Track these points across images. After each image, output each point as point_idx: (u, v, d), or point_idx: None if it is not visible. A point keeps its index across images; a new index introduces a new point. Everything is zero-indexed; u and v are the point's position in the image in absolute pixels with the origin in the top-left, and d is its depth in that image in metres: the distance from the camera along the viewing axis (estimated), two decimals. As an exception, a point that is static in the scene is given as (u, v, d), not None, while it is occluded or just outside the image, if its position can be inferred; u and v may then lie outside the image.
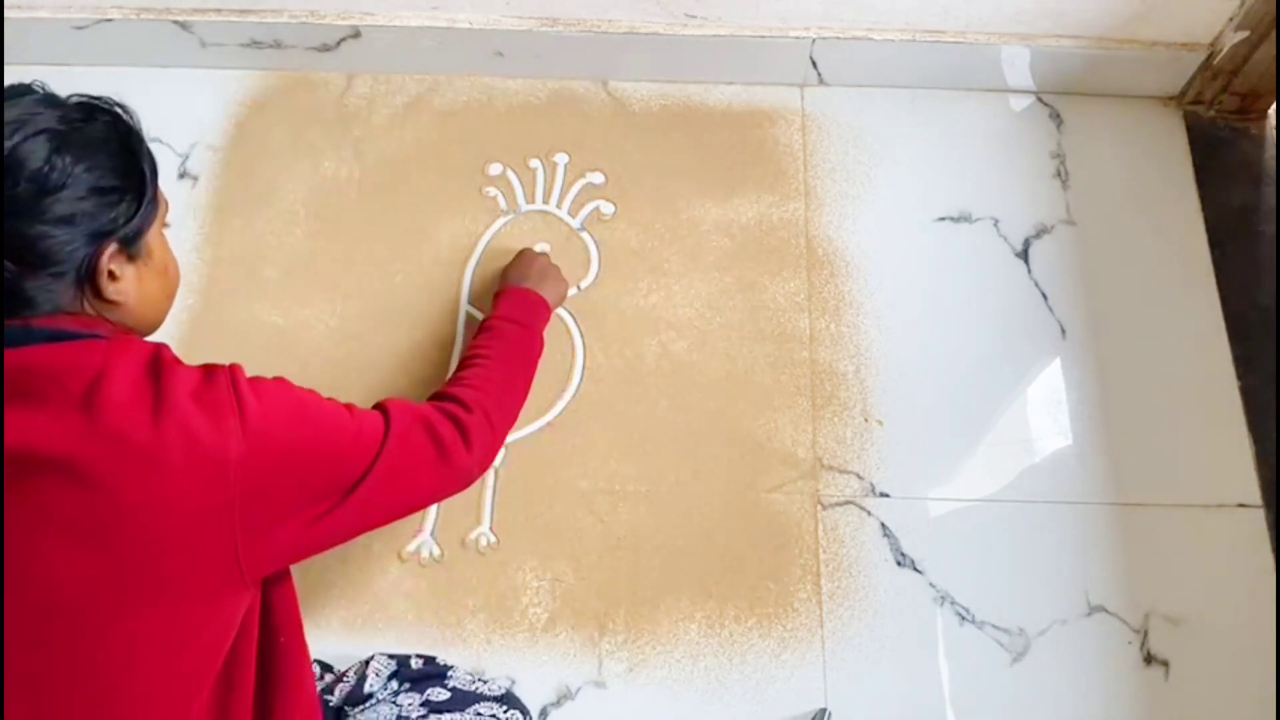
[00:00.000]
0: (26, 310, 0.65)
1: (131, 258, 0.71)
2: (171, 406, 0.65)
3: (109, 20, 1.41)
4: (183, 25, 1.41)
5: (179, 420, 0.64)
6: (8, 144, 0.64)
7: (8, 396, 0.62)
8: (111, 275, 0.69)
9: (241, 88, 1.47)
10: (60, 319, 0.67)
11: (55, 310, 0.67)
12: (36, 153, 0.65)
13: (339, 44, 1.43)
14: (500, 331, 1.09)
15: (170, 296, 0.78)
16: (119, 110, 0.73)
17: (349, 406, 0.79)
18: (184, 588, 0.66)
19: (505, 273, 1.26)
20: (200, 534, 0.65)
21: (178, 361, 0.70)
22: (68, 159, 0.66)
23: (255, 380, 0.72)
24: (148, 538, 0.63)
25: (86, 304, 0.69)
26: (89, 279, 0.68)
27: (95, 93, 0.73)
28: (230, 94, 1.47)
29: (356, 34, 1.42)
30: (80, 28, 1.42)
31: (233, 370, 0.71)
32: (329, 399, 0.78)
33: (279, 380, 0.75)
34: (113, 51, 1.45)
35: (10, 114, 0.65)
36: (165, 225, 0.76)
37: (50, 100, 0.69)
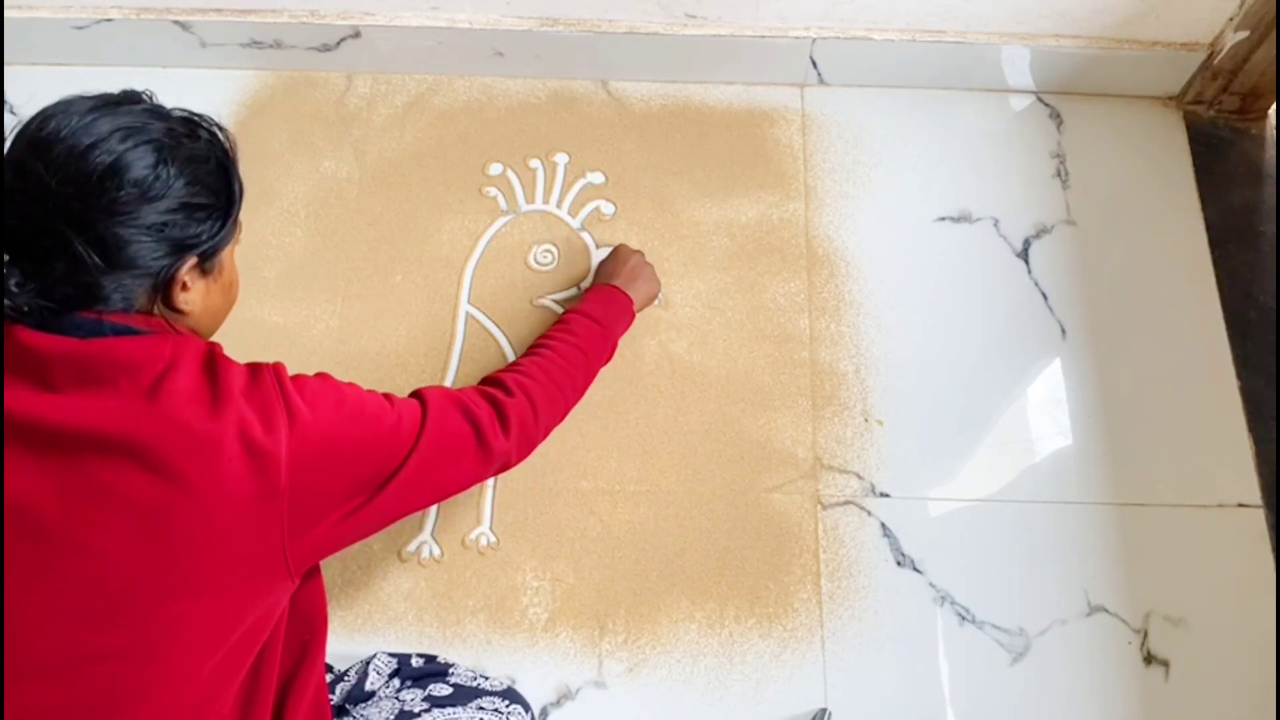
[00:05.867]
0: (100, 305, 0.67)
1: (205, 272, 0.74)
2: (228, 401, 0.68)
3: (109, 20, 1.41)
4: (183, 25, 1.41)
5: (234, 413, 0.67)
6: (120, 148, 0.66)
7: (78, 381, 0.65)
8: (184, 286, 0.71)
9: (241, 88, 1.47)
10: (132, 317, 0.69)
11: (127, 309, 0.69)
12: (143, 160, 0.67)
13: (339, 44, 1.43)
14: (572, 325, 1.09)
15: (229, 310, 0.81)
16: (216, 129, 0.75)
17: (388, 396, 0.81)
18: (232, 576, 0.68)
19: (598, 269, 1.27)
20: (250, 524, 0.68)
21: (229, 359, 0.73)
22: (171, 171, 0.68)
23: (298, 378, 0.75)
24: (201, 523, 0.66)
25: (156, 307, 0.71)
26: (164, 286, 0.70)
27: (196, 109, 0.75)
28: (230, 94, 1.47)
29: (356, 34, 1.42)
30: (80, 28, 1.42)
31: (276, 369, 0.74)
32: (369, 391, 0.80)
33: (321, 376, 0.78)
34: (113, 51, 1.45)
35: (122, 120, 0.68)
36: (238, 242, 0.79)
37: (158, 112, 0.71)
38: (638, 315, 1.21)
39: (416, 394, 0.85)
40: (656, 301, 1.29)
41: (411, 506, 0.81)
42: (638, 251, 1.27)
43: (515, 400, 0.91)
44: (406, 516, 0.82)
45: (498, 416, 0.88)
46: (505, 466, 0.90)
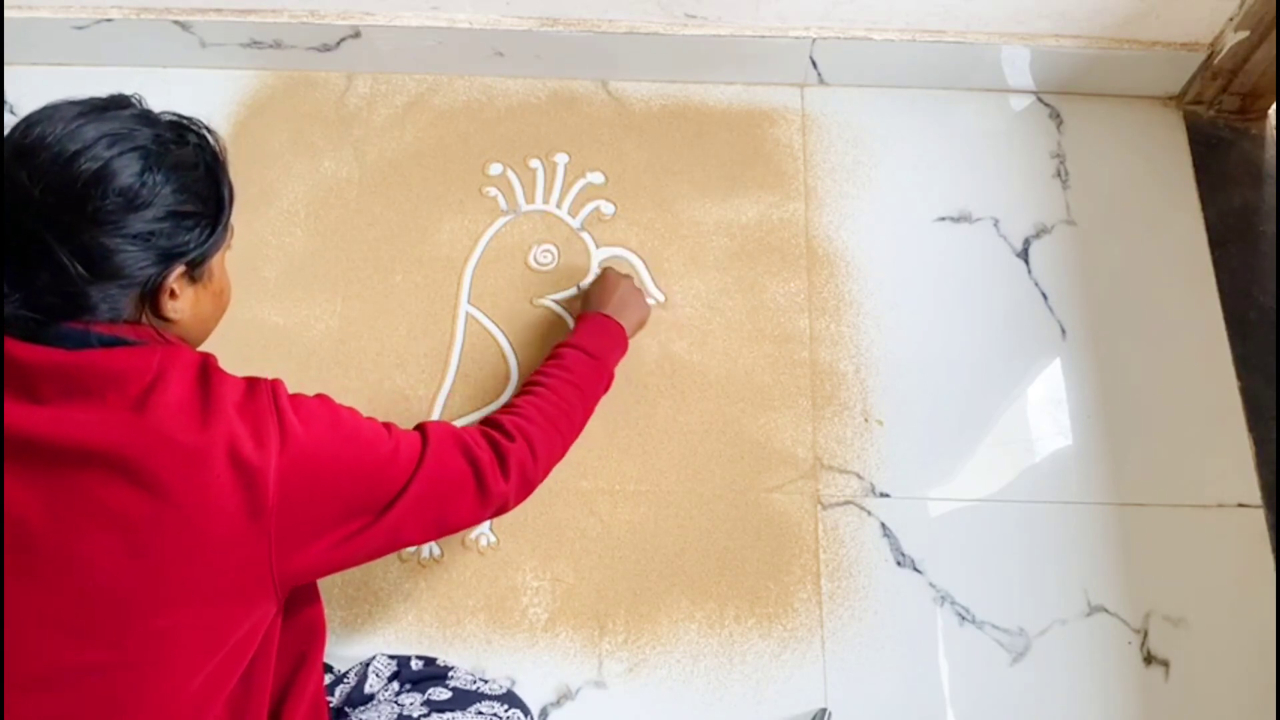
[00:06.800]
0: (87, 315, 0.66)
1: (194, 279, 0.73)
2: (219, 414, 0.67)
3: (109, 20, 1.41)
4: (183, 25, 1.41)
5: (225, 427, 0.66)
6: (105, 155, 0.65)
7: (65, 393, 0.64)
8: (172, 294, 0.70)
9: (241, 88, 1.47)
10: (120, 327, 0.68)
11: (115, 319, 0.68)
12: (129, 168, 0.66)
13: (339, 44, 1.43)
14: (566, 360, 1.06)
15: (220, 317, 0.80)
16: (206, 133, 0.74)
17: (388, 426, 0.80)
18: (217, 591, 0.67)
19: (585, 296, 1.24)
20: (236, 540, 0.67)
21: (224, 371, 0.71)
22: (158, 178, 0.67)
23: (296, 397, 0.74)
24: (187, 537, 0.65)
25: (144, 316, 0.70)
26: (151, 295, 0.69)
27: (185, 113, 0.74)
28: (230, 94, 1.47)
29: (356, 34, 1.42)
30: (80, 28, 1.42)
31: (274, 385, 0.72)
32: (368, 418, 0.79)
33: (320, 397, 0.77)
34: (113, 51, 1.45)
35: (109, 126, 0.67)
36: (228, 248, 0.77)
37: (145, 117, 0.70)
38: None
39: (419, 427, 0.83)
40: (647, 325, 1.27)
41: (407, 539, 0.79)
42: (626, 276, 1.24)
43: (516, 445, 0.89)
44: (400, 550, 0.80)
45: (498, 460, 0.87)
46: (502, 510, 0.89)
